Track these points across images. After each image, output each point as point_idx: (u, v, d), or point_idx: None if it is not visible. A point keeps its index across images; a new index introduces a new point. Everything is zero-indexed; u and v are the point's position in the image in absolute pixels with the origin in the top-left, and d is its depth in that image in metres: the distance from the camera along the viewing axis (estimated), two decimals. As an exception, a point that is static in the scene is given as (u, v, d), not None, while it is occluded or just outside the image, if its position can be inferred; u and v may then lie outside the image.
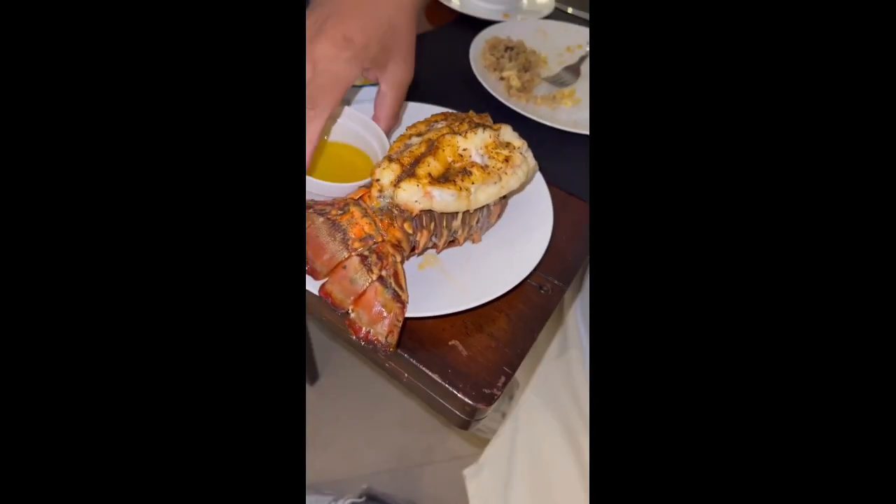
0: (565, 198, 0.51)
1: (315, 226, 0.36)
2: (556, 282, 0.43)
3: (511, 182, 0.39)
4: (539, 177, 0.47)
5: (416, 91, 0.59)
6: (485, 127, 0.38)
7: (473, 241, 0.43)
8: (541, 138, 0.56)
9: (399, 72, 0.43)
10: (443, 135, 0.37)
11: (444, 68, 0.64)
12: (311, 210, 0.37)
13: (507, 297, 0.41)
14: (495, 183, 0.38)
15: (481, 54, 0.62)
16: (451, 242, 0.42)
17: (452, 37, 0.68)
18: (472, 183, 0.37)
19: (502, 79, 0.60)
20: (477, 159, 0.38)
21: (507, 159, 0.38)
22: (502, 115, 0.56)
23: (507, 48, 0.63)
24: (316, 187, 0.39)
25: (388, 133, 0.45)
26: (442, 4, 0.76)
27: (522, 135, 0.55)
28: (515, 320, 0.40)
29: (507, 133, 0.40)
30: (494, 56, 0.61)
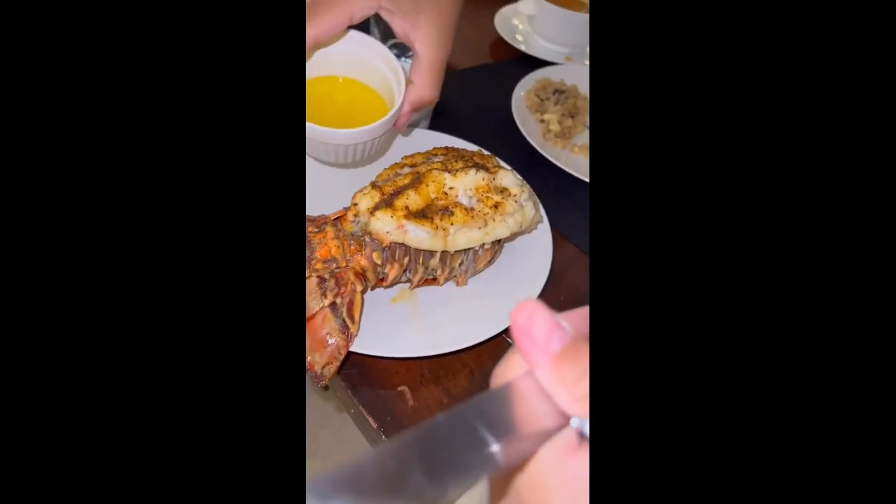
0: (576, 255, 0.46)
1: (289, 238, 0.36)
2: (537, 346, 0.39)
3: (498, 230, 0.36)
4: (545, 230, 0.43)
5: (452, 121, 0.58)
6: (479, 168, 0.36)
7: (457, 284, 0.40)
8: (569, 189, 0.52)
9: (434, 31, 0.37)
10: (432, 169, 0.36)
11: (487, 103, 0.62)
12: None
13: (474, 350, 0.38)
14: (479, 228, 0.35)
15: (527, 94, 0.60)
16: (432, 280, 0.40)
17: (508, 74, 0.67)
18: (452, 224, 0.34)
19: (542, 121, 0.57)
20: (463, 200, 0.36)
21: (496, 205, 0.36)
22: (533, 160, 0.53)
23: (557, 91, 0.61)
24: (313, 133, 0.36)
25: (427, 105, 0.39)
26: (506, 42, 0.75)
27: (550, 183, 0.52)
28: (478, 379, 0.37)
29: (507, 178, 0.37)
30: (539, 97, 0.59)
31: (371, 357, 0.36)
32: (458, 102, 0.63)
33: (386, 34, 0.67)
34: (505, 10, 0.80)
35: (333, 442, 1.09)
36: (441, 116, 0.57)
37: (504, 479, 0.17)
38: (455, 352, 0.36)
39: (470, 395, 0.36)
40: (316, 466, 1.05)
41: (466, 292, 0.40)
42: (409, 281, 0.38)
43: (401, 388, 0.36)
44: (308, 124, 0.35)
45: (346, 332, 0.33)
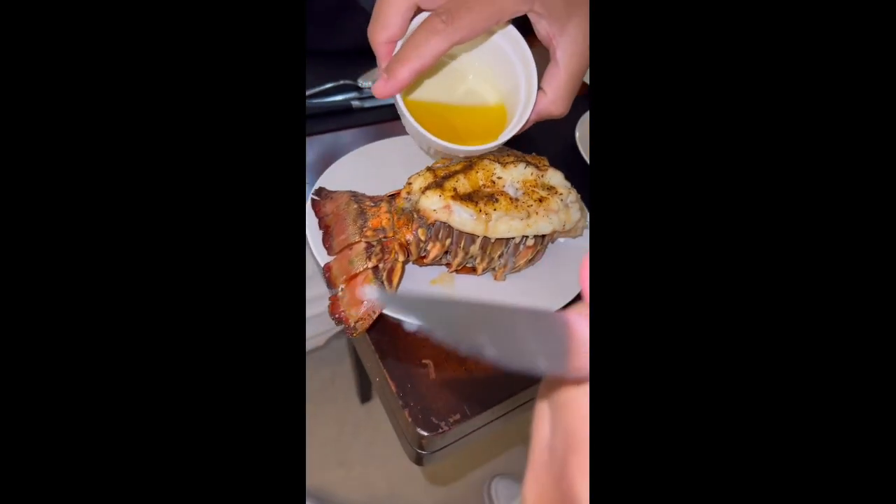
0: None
1: (348, 209, 0.39)
2: (567, 349, 0.39)
3: (541, 224, 0.37)
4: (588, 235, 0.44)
5: (514, 142, 0.61)
6: (529, 164, 0.38)
7: (495, 278, 0.41)
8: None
9: (581, 40, 0.32)
10: (483, 158, 0.38)
11: (551, 129, 0.65)
12: (353, 195, 0.41)
13: (502, 340, 0.38)
14: (521, 219, 0.37)
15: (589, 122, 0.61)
16: (470, 269, 0.41)
17: (577, 106, 0.69)
18: (495, 209, 0.36)
19: None
20: (509, 190, 0.38)
21: (541, 199, 0.37)
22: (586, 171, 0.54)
23: (624, 124, 0.62)
24: (421, 139, 0.34)
25: (555, 118, 0.36)
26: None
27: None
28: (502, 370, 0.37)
29: (556, 178, 0.39)
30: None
31: (402, 330, 0.38)
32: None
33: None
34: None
35: (364, 454, 1.09)
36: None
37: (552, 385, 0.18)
38: (483, 336, 0.37)
39: (493, 379, 0.36)
40: (342, 476, 1.05)
41: (503, 288, 0.41)
42: (448, 264, 0.40)
43: (425, 360, 0.37)
44: (428, 134, 0.34)
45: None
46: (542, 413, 0.19)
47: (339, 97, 0.61)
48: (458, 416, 0.34)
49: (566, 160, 0.58)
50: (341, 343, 1.11)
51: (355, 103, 0.61)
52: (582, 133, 0.60)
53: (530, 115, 0.35)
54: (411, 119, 0.34)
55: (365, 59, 0.70)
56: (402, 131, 0.40)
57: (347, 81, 0.63)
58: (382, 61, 0.32)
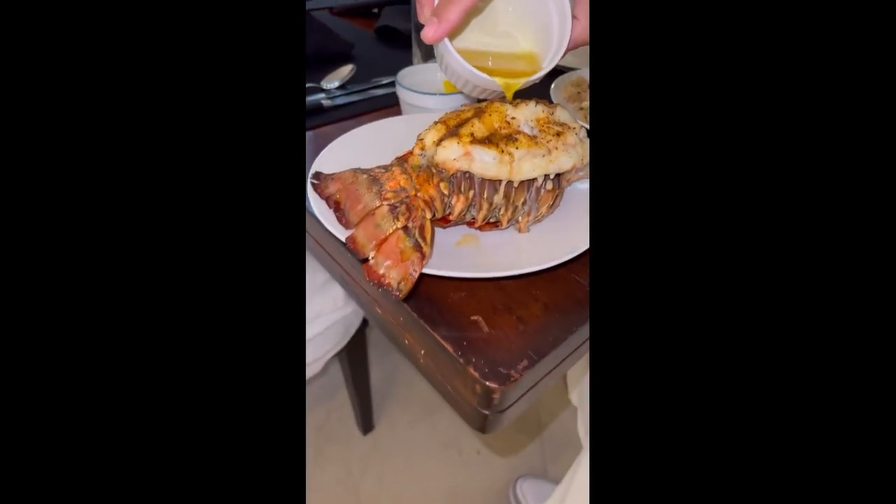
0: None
1: (357, 181, 0.37)
2: (609, 283, 0.38)
3: (562, 160, 0.36)
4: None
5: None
6: (538, 101, 0.37)
7: (519, 230, 0.40)
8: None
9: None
10: (492, 102, 0.37)
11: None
12: (357, 169, 0.38)
13: (545, 283, 0.37)
14: (543, 156, 0.36)
15: (564, 87, 0.63)
16: (494, 224, 0.40)
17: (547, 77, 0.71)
18: (517, 149, 0.35)
19: (581, 109, 0.59)
20: (526, 129, 0.37)
21: (558, 134, 0.37)
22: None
23: (592, 86, 0.64)
24: (474, 77, 0.36)
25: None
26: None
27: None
28: (552, 309, 0.35)
29: (563, 114, 0.38)
30: (577, 89, 0.62)
31: (441, 292, 0.35)
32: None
33: (427, 54, 0.73)
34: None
35: (376, 491, 1.02)
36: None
37: None
38: (523, 276, 0.36)
39: (546, 326, 0.34)
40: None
41: (529, 238, 0.40)
42: (472, 220, 0.38)
43: (475, 317, 0.34)
44: (471, 68, 0.35)
45: (420, 251, 0.33)
46: None
47: (310, 98, 0.61)
48: (525, 363, 0.31)
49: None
50: (334, 372, 1.04)
51: (325, 102, 0.61)
52: (555, 95, 0.61)
53: (567, 44, 0.37)
54: (460, 59, 0.35)
55: (323, 64, 0.69)
56: (378, 118, 0.43)
57: (312, 84, 0.64)
58: (426, 8, 0.33)
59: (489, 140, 0.35)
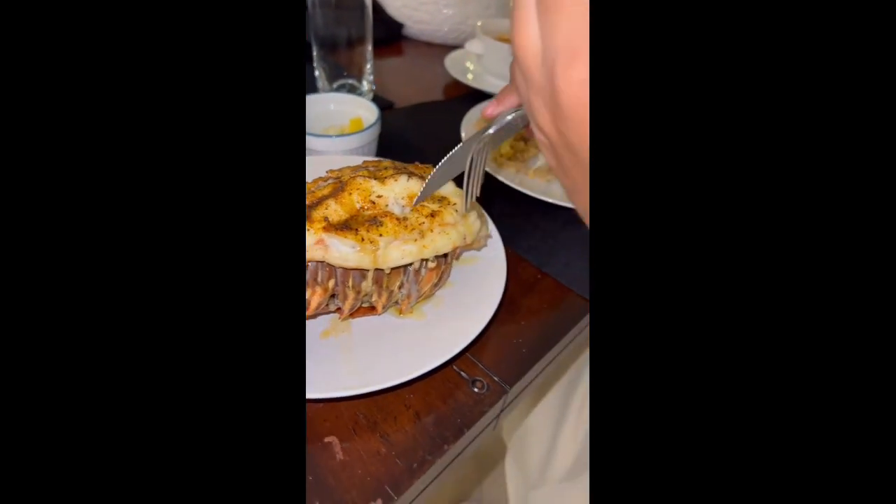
0: (535, 277, 0.42)
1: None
2: (496, 379, 0.33)
3: (438, 242, 0.31)
4: (498, 246, 0.39)
5: (400, 154, 0.56)
6: (412, 175, 0.32)
7: (400, 312, 0.35)
8: (527, 210, 0.49)
9: None
10: (356, 177, 0.31)
11: (437, 135, 0.60)
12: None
13: (420, 387, 0.32)
14: (415, 240, 0.31)
15: (475, 122, 0.58)
16: (369, 309, 0.34)
17: (458, 108, 0.65)
18: (381, 235, 0.30)
19: (527, 165, 0.55)
20: (394, 209, 0.31)
21: (433, 214, 0.31)
22: (489, 184, 0.50)
23: (509, 119, 0.59)
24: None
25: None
26: (459, 81, 0.75)
27: (507, 205, 0.49)
28: (426, 423, 0.30)
29: (445, 187, 0.33)
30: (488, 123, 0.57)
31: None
32: (408, 135, 0.61)
33: (331, 75, 0.66)
34: (455, 54, 0.81)
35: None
36: (389, 153, 0.55)
37: None
38: (395, 387, 0.31)
39: (415, 441, 0.29)
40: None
41: (412, 321, 0.35)
42: (338, 310, 0.33)
43: (328, 438, 0.29)
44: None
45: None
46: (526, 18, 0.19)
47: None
48: (378, 501, 0.26)
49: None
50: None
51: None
52: (468, 133, 0.56)
53: None
54: None
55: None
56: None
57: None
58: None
59: (347, 225, 0.30)
